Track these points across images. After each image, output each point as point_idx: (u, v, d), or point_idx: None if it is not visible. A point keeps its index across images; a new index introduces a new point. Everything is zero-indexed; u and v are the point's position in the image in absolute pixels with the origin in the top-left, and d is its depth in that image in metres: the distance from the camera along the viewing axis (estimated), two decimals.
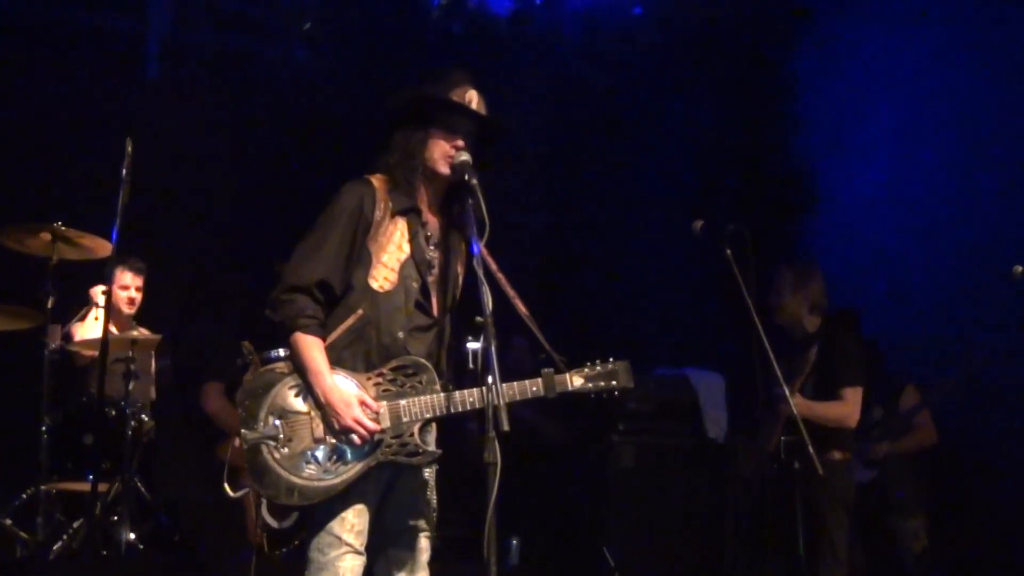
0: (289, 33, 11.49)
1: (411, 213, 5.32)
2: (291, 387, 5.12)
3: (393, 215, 5.28)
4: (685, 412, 9.27)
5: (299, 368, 5.11)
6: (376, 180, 5.34)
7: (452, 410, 5.25)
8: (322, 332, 5.15)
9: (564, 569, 9.09)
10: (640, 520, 8.93)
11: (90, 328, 8.86)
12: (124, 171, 7.66)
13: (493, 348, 4.85)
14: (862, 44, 11.13)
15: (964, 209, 10.21)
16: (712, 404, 9.22)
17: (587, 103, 12.13)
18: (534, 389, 5.40)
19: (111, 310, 9.02)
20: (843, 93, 11.21)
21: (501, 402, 4.79)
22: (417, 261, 5.29)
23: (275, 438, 5.02)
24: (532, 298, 10.99)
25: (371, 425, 5.08)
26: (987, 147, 10.11)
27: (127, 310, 9.17)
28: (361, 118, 11.44)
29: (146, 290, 9.30)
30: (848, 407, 7.61)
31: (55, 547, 7.83)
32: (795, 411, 6.92)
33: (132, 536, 7.99)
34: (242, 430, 5.03)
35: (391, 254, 5.25)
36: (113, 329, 8.88)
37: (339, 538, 5.12)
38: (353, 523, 5.15)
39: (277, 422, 5.06)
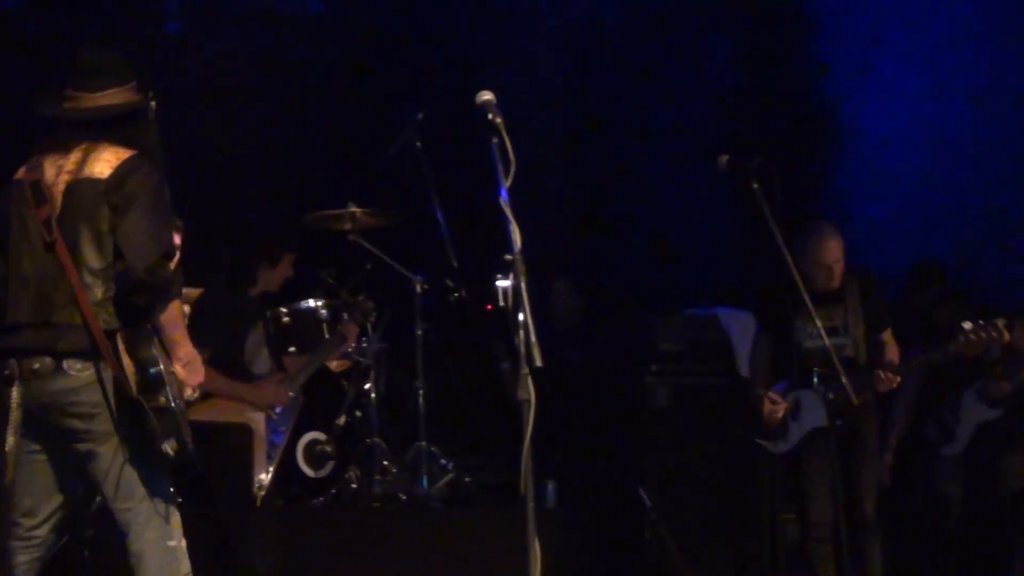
0: None
1: None
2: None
3: None
4: (717, 351, 9.30)
5: (174, 330, 5.31)
6: None
7: None
8: None
9: (601, 511, 9.15)
10: (676, 460, 8.97)
11: None
12: None
13: (523, 285, 4.91)
14: None
15: (992, 144, 10.20)
16: (744, 343, 9.22)
17: (607, 45, 12.11)
18: None
19: None
20: (868, 27, 11.18)
21: (533, 338, 4.85)
22: None
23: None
24: (561, 242, 11.10)
25: None
26: (1016, 80, 10.08)
27: None
28: (379, 70, 11.51)
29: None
30: None
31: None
32: None
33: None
34: None
35: None
36: None
37: None
38: None
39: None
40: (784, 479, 8.46)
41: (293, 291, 8.55)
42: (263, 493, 7.19)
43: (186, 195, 9.86)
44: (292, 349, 8.42)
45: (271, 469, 7.32)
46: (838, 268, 7.83)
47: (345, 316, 8.69)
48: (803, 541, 8.00)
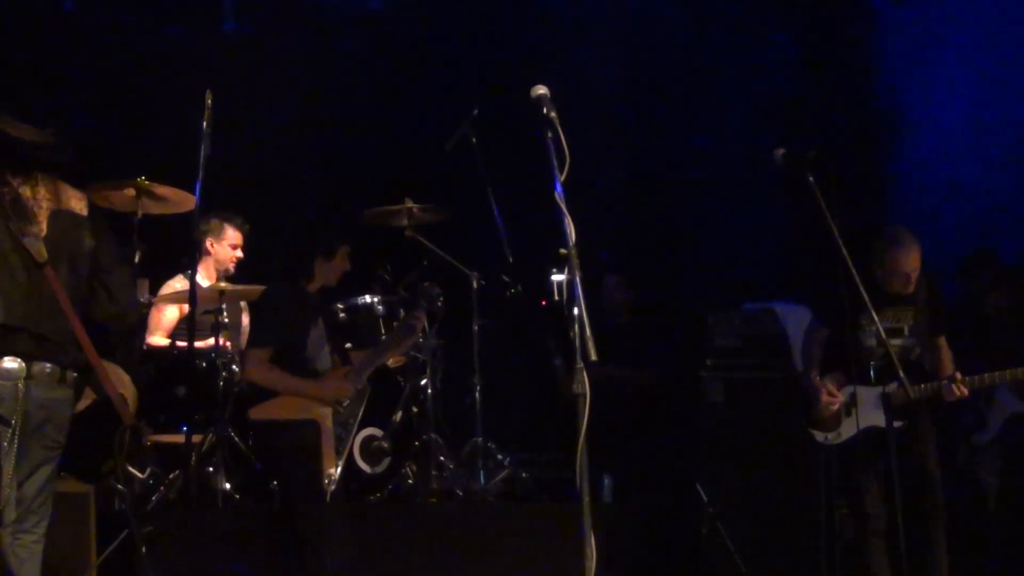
0: None
1: None
2: None
3: None
4: (773, 346, 9.25)
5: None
6: None
7: None
8: None
9: (657, 506, 9.12)
10: (732, 456, 8.94)
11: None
12: (204, 124, 7.76)
13: (578, 279, 4.90)
14: None
15: None
16: (800, 337, 9.19)
17: (665, 38, 12.07)
18: None
19: (202, 264, 9.14)
20: (925, 19, 11.11)
21: (588, 332, 4.84)
22: None
23: None
24: (617, 235, 11.07)
25: None
26: None
27: (232, 269, 9.23)
28: (438, 66, 11.52)
29: None
30: None
31: (152, 498, 7.96)
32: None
33: (228, 486, 8.08)
34: None
35: None
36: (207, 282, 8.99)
37: None
38: None
39: None
40: (839, 473, 8.42)
41: (349, 287, 8.56)
42: (332, 488, 7.18)
43: (245, 193, 10.03)
44: (348, 345, 8.43)
45: (340, 463, 7.31)
46: (915, 276, 7.82)
47: (401, 311, 8.68)
48: (857, 535, 7.98)
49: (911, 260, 7.78)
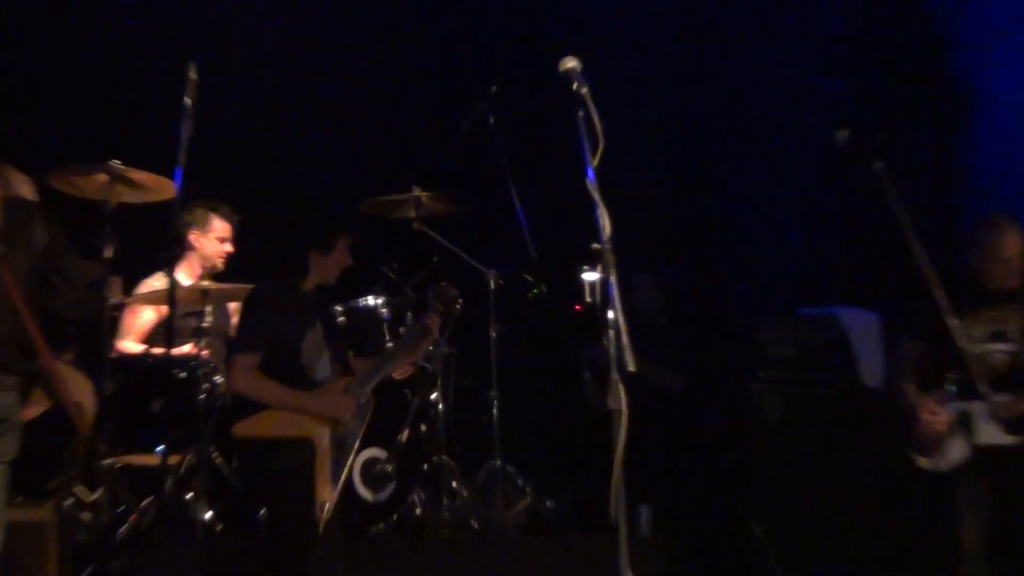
0: None
1: None
2: None
3: None
4: (836, 356, 9.16)
5: None
6: None
7: None
8: None
9: (703, 541, 9.04)
10: (791, 482, 8.83)
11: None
12: (187, 101, 7.67)
13: (613, 278, 4.81)
14: None
15: None
16: (865, 346, 9.11)
17: (704, 9, 11.98)
18: None
19: (184, 260, 9.08)
20: None
21: (625, 339, 4.75)
22: None
23: None
24: (659, 231, 11.00)
25: None
26: None
27: (221, 265, 9.19)
28: (453, 38, 11.48)
29: None
30: None
31: (121, 529, 7.88)
32: None
33: (209, 514, 8.00)
34: None
35: None
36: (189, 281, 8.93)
37: None
38: None
39: None
40: (924, 503, 8.34)
41: (350, 287, 8.46)
42: (327, 516, 7.08)
43: (232, 180, 9.98)
44: (349, 353, 8.37)
45: (337, 488, 7.21)
46: (1017, 264, 7.75)
47: (409, 315, 8.61)
48: (950, 571, 7.91)
49: (1010, 245, 7.78)
